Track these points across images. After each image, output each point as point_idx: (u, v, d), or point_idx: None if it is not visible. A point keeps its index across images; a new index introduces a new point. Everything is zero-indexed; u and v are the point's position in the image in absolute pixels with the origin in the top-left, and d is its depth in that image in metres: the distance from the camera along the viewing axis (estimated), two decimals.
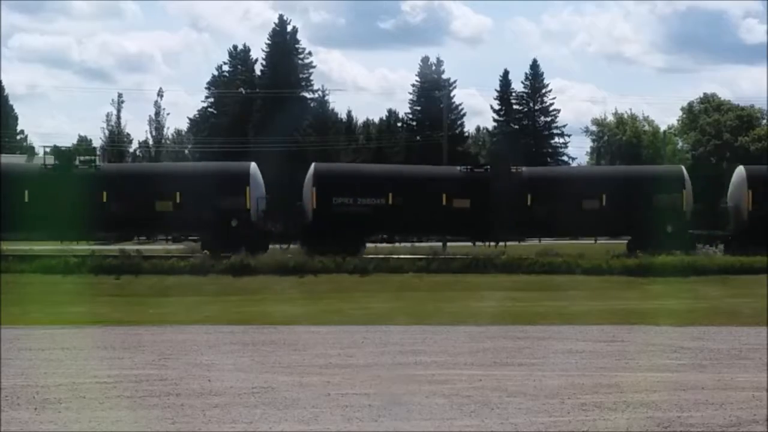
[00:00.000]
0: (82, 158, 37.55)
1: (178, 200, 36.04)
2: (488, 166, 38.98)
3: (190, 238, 37.58)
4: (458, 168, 39.49)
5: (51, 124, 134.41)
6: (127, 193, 36.30)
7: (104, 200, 35.79)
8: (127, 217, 36.10)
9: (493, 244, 37.34)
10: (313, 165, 38.41)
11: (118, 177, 37.77)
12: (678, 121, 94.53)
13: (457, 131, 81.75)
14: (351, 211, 36.40)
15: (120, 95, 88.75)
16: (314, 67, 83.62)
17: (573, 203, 36.77)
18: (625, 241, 37.93)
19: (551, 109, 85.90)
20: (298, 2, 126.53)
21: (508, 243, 37.45)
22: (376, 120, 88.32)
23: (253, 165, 38.01)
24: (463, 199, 36.85)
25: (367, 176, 39.05)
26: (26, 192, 35.40)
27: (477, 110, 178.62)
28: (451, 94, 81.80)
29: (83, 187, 35.66)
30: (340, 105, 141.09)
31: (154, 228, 38.05)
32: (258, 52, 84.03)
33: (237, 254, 32.75)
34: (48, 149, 38.93)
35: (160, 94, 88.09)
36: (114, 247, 37.73)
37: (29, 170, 37.07)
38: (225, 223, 35.56)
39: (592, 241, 40.58)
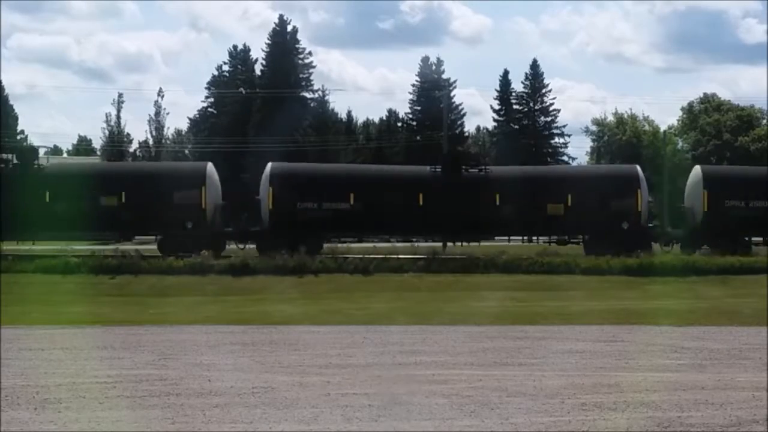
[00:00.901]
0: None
1: (569, 203, 36.42)
2: None
3: (573, 240, 37.89)
4: None
5: (50, 124, 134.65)
6: (519, 196, 36.62)
7: (496, 203, 36.26)
8: (518, 219, 36.53)
9: None
10: (699, 168, 39.01)
11: (509, 180, 37.99)
12: (678, 121, 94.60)
13: (457, 131, 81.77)
14: (741, 213, 37.00)
15: (120, 95, 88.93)
16: (314, 67, 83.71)
17: None
18: None
19: (551, 109, 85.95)
20: (297, 2, 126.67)
21: None
22: (376, 120, 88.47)
23: (638, 167, 38.59)
24: None
25: (759, 179, 39.26)
26: (420, 196, 36.29)
27: (477, 110, 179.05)
28: (451, 94, 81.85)
29: (474, 190, 36.45)
30: (340, 105, 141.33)
31: (543, 230, 38.04)
32: (257, 52, 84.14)
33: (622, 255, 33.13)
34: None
35: (160, 94, 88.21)
36: (111, 247, 37.69)
37: (422, 175, 37.88)
38: (614, 225, 36.03)
39: None
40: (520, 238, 38.41)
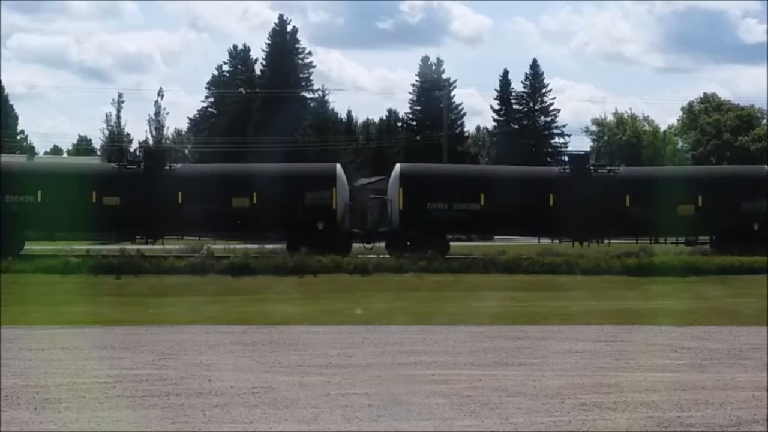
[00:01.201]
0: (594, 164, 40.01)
1: (699, 204, 36.77)
2: None
3: (700, 240, 38.10)
4: None
5: (50, 124, 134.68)
6: (648, 197, 36.97)
7: (627, 204, 36.71)
8: (647, 219, 36.75)
9: None
10: None
11: (638, 180, 38.58)
12: (678, 121, 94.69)
13: (457, 131, 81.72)
14: None
15: (120, 95, 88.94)
16: (314, 66, 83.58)
17: None
18: None
19: (551, 109, 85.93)
20: (297, 2, 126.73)
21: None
22: (376, 120, 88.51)
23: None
24: None
25: None
26: (551, 196, 36.71)
27: (477, 110, 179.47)
28: (451, 94, 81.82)
29: (603, 190, 36.90)
30: (340, 105, 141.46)
31: (673, 230, 38.01)
32: (257, 52, 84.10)
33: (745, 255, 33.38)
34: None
35: (160, 93, 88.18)
36: (116, 247, 37.72)
37: (551, 175, 38.63)
38: (744, 226, 36.33)
39: None
40: (648, 238, 38.56)
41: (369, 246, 37.02)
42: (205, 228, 37.61)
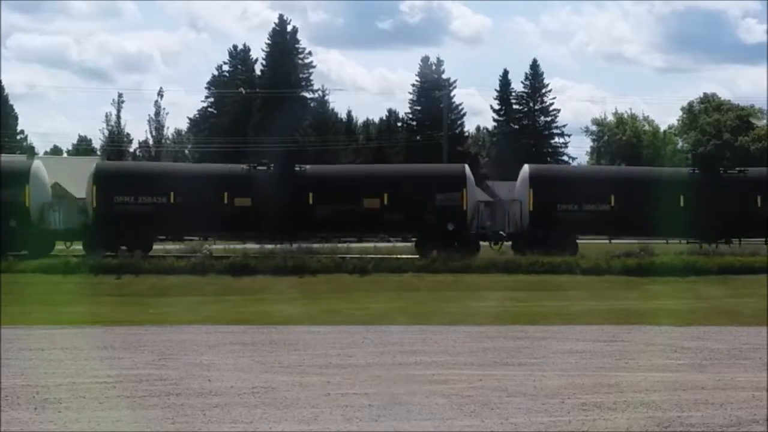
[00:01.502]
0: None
1: None
2: None
3: None
4: None
5: (50, 124, 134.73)
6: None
7: (758, 204, 36.84)
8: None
9: None
10: None
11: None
12: (678, 121, 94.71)
13: (457, 131, 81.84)
14: None
15: (120, 95, 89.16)
16: (314, 67, 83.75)
17: None
18: None
19: (551, 109, 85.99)
20: (297, 2, 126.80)
21: None
22: (376, 120, 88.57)
23: None
24: None
25: None
26: (681, 197, 36.66)
27: (477, 110, 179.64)
28: (451, 94, 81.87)
29: (734, 192, 37.03)
30: (340, 105, 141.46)
31: None
32: (257, 52, 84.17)
33: None
34: None
35: (160, 93, 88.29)
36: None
37: (681, 176, 38.95)
38: None
39: None
40: None
41: (496, 246, 37.22)
42: (336, 228, 37.86)
